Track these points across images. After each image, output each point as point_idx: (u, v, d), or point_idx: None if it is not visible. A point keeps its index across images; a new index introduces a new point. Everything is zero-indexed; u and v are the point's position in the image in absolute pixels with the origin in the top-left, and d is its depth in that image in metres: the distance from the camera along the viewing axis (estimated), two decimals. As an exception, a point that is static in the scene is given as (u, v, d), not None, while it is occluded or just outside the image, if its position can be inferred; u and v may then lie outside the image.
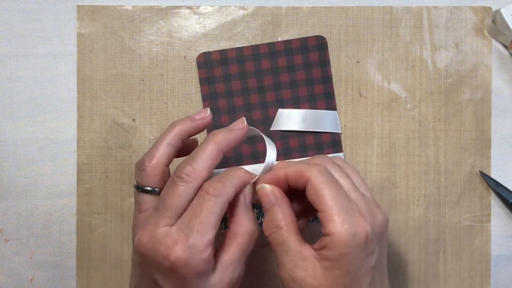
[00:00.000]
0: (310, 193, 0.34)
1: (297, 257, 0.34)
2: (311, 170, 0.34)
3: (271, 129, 0.45)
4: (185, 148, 0.38)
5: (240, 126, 0.37)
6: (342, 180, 0.36)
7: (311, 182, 0.34)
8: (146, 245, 0.34)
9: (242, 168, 0.37)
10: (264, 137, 0.38)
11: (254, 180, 0.37)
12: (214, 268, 0.34)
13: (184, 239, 0.33)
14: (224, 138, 0.36)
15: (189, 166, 0.34)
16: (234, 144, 0.36)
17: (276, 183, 0.36)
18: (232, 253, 0.35)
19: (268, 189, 0.36)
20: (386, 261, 0.37)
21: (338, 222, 0.33)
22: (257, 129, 0.38)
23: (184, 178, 0.34)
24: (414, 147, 0.46)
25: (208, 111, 0.38)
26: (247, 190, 0.37)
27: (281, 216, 0.35)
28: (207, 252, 0.33)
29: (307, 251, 0.34)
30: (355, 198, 0.35)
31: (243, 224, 0.36)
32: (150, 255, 0.34)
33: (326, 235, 0.33)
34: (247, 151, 0.45)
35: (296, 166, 0.35)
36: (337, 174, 0.36)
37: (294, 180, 0.35)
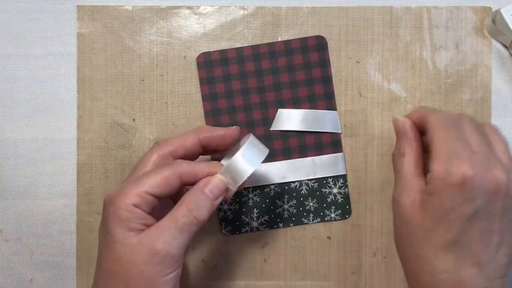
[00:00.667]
0: (427, 137, 0.37)
1: (407, 185, 0.37)
2: (430, 116, 0.37)
3: (271, 129, 0.45)
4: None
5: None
6: (473, 136, 0.36)
7: (429, 126, 0.37)
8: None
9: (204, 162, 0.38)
10: (249, 141, 0.38)
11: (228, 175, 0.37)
12: (139, 230, 0.35)
13: (121, 184, 0.36)
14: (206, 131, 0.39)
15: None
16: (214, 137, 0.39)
17: (414, 124, 0.39)
18: (164, 225, 0.35)
19: (400, 120, 0.40)
20: (509, 223, 0.35)
21: (439, 161, 0.35)
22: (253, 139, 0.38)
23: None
24: (414, 147, 0.46)
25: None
26: (215, 180, 0.36)
27: (407, 145, 0.39)
28: (133, 199, 0.34)
29: (416, 182, 0.37)
30: (476, 151, 0.35)
31: (190, 206, 0.35)
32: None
33: (429, 171, 0.35)
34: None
35: (423, 111, 0.38)
36: (469, 130, 0.37)
37: (420, 124, 0.38)
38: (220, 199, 0.36)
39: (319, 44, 0.45)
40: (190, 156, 0.39)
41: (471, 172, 0.34)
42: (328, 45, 0.45)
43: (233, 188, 0.37)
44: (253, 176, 0.45)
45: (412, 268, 0.36)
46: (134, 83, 0.45)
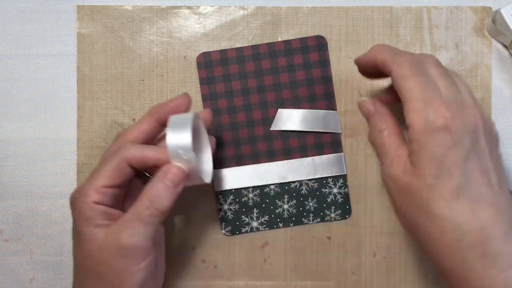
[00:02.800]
0: (394, 86, 0.36)
1: (394, 156, 0.37)
2: (393, 63, 0.35)
3: (271, 129, 0.45)
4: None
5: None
6: (440, 79, 0.35)
7: (392, 77, 0.35)
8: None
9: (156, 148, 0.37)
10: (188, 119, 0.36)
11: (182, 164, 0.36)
12: (105, 225, 0.35)
13: (83, 182, 0.37)
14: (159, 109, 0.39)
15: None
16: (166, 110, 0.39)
17: (366, 63, 0.38)
18: (127, 219, 0.35)
19: (367, 101, 0.40)
20: (497, 160, 0.35)
21: (416, 112, 0.34)
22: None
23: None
24: (414, 147, 0.46)
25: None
26: (172, 169, 0.36)
27: (381, 122, 0.39)
28: (93, 197, 0.35)
29: (402, 150, 0.37)
30: (447, 94, 0.34)
31: (150, 198, 0.35)
32: None
33: (407, 128, 0.34)
34: (247, 151, 0.45)
35: (383, 55, 0.36)
36: (436, 73, 0.35)
37: (382, 69, 0.37)
38: (181, 186, 0.36)
39: (319, 44, 0.45)
40: (153, 138, 0.40)
41: (449, 114, 0.33)
42: (328, 45, 0.45)
43: (192, 165, 0.36)
44: (252, 175, 0.45)
45: (432, 234, 0.34)
46: (134, 83, 0.45)
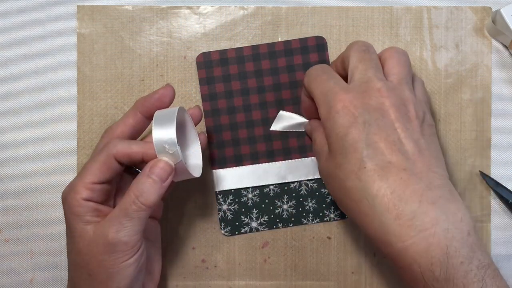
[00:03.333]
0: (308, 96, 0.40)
1: (320, 151, 0.38)
2: (305, 76, 0.40)
3: (271, 129, 0.45)
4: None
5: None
6: (354, 58, 0.38)
7: (304, 87, 0.40)
8: None
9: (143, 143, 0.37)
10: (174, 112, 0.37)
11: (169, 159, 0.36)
12: (95, 222, 0.36)
13: (73, 180, 0.37)
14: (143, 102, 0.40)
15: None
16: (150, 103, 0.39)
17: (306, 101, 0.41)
18: (114, 215, 0.35)
19: (305, 124, 0.44)
20: (420, 133, 0.35)
21: (320, 105, 0.37)
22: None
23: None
24: (414, 147, 0.46)
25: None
26: (159, 163, 0.36)
27: (313, 128, 0.41)
28: (82, 194, 0.36)
29: (326, 145, 0.38)
30: (351, 77, 0.37)
31: (136, 193, 0.35)
32: None
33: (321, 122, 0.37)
34: (247, 151, 0.45)
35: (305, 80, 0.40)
36: (349, 56, 0.38)
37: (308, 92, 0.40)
38: (169, 180, 0.36)
39: (319, 45, 0.45)
40: (141, 132, 0.40)
41: (347, 97, 0.35)
42: (328, 45, 0.45)
43: (178, 159, 0.36)
44: (251, 175, 0.45)
45: (352, 208, 0.35)
46: (134, 83, 0.45)
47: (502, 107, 0.46)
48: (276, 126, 0.45)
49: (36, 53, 0.45)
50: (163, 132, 0.35)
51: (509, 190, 0.45)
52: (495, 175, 0.46)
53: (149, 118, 0.40)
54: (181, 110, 0.38)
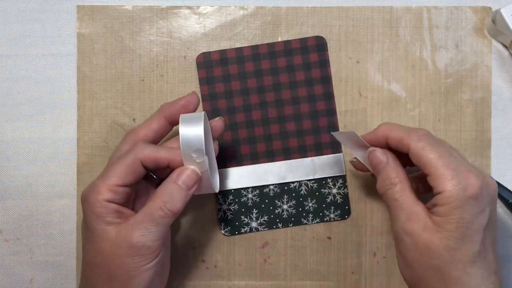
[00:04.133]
0: (414, 160, 0.36)
1: (411, 212, 0.36)
2: (410, 138, 0.36)
3: (332, 132, 0.43)
4: None
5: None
6: (444, 144, 0.37)
7: (412, 150, 0.36)
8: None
9: (170, 149, 0.37)
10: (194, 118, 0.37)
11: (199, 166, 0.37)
12: (116, 223, 0.36)
13: (95, 180, 0.37)
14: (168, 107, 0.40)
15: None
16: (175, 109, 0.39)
17: (375, 141, 0.39)
18: (139, 219, 0.36)
19: (379, 151, 0.38)
20: (496, 228, 0.37)
21: (447, 179, 0.34)
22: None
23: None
24: (414, 147, 0.46)
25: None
26: (187, 171, 0.36)
27: (395, 174, 0.37)
28: (105, 195, 0.36)
29: (419, 207, 0.36)
30: (460, 159, 0.36)
31: (163, 199, 0.36)
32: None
33: (437, 194, 0.35)
34: (247, 151, 0.45)
35: (397, 132, 0.37)
36: (439, 141, 0.37)
37: (395, 145, 0.37)
38: (194, 189, 0.37)
39: (319, 44, 0.45)
40: (163, 137, 0.40)
41: (478, 183, 0.34)
42: (328, 45, 0.45)
43: (205, 168, 0.36)
44: (251, 175, 0.45)
45: None
46: (134, 83, 0.45)
47: (502, 107, 0.46)
48: (338, 136, 0.41)
49: (36, 53, 0.45)
50: (190, 140, 0.36)
51: (509, 190, 0.45)
52: (495, 175, 0.46)
53: (172, 123, 0.40)
54: (205, 116, 0.38)
